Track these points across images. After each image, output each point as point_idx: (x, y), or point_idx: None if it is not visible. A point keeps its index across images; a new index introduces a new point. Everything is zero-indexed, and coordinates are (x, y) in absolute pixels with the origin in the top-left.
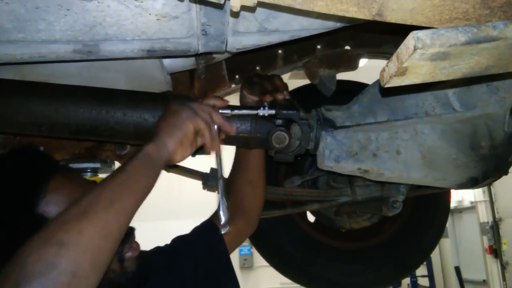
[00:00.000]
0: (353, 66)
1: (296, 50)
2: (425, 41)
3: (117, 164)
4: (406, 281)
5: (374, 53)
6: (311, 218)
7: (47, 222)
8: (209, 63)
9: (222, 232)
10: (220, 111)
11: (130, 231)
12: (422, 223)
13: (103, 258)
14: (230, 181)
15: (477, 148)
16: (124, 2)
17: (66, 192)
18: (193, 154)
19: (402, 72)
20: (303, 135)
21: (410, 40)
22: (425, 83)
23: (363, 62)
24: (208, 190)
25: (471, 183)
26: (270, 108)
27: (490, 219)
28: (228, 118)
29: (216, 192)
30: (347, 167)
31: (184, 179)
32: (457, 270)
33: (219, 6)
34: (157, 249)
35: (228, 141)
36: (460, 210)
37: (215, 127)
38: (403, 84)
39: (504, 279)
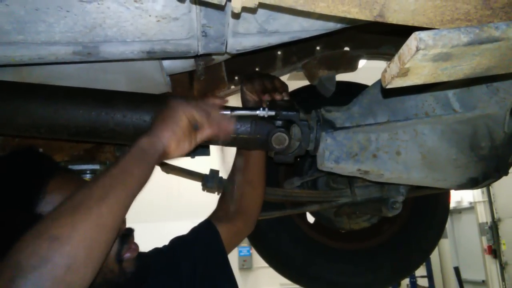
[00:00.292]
0: (352, 67)
1: (295, 51)
2: (428, 42)
3: None
4: (405, 281)
5: (373, 54)
6: (310, 219)
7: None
8: (208, 64)
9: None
10: (220, 112)
11: (129, 232)
12: (422, 224)
13: (98, 250)
14: (230, 181)
15: (477, 148)
16: (124, 4)
17: (65, 192)
18: (193, 155)
19: (404, 73)
20: (303, 136)
21: (413, 41)
22: (426, 84)
23: (362, 63)
24: (208, 191)
25: (471, 184)
26: (270, 109)
27: (489, 220)
28: (228, 119)
29: (216, 192)
30: (347, 168)
31: (183, 180)
32: (456, 270)
33: (220, 7)
34: (156, 250)
35: (228, 142)
36: (459, 211)
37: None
38: (405, 85)
39: (503, 279)
